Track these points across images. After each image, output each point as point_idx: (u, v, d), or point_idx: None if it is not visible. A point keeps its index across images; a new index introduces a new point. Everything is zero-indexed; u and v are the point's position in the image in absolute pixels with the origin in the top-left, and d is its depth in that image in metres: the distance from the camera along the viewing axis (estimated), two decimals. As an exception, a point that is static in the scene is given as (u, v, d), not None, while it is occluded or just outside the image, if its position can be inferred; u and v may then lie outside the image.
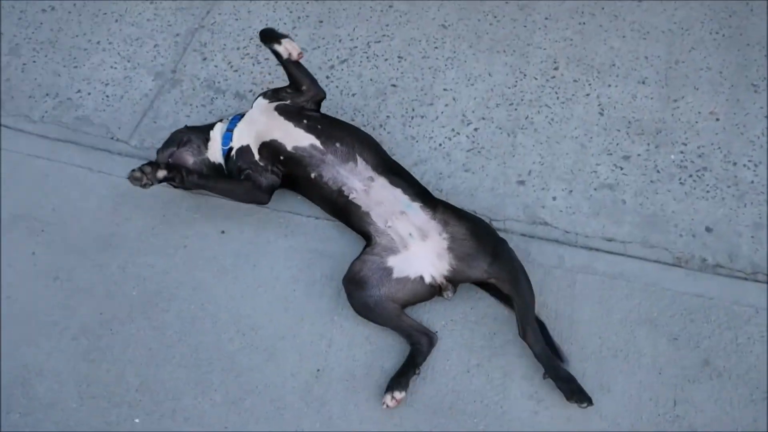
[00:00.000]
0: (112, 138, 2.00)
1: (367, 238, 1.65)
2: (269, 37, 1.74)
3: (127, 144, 1.98)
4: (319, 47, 2.21)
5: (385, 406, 1.47)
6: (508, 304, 1.62)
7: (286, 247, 1.75)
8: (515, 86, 2.10)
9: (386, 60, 2.18)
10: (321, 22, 2.29)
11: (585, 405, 1.46)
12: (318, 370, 1.55)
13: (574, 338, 1.59)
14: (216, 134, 1.83)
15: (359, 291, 1.57)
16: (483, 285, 1.65)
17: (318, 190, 1.69)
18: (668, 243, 1.75)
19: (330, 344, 1.59)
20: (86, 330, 1.61)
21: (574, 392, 1.47)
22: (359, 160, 1.69)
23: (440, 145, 1.97)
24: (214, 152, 1.82)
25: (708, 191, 1.84)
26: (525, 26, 2.25)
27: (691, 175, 1.87)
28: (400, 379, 1.49)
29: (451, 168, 1.92)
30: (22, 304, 1.66)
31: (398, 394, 1.46)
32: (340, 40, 2.23)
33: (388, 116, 2.04)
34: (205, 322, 1.62)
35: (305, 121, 1.74)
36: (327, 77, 2.13)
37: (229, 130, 1.81)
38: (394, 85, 2.12)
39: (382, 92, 2.10)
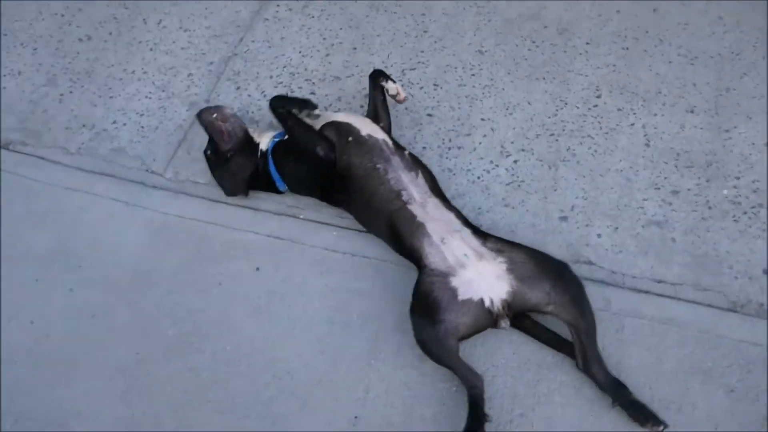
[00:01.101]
0: (147, 170, 1.99)
1: (417, 257, 1.58)
2: (381, 74, 1.90)
3: (162, 177, 1.98)
4: (353, 75, 2.18)
5: None
6: (557, 347, 1.56)
7: (322, 285, 1.71)
8: (556, 115, 2.03)
9: (421, 88, 2.14)
10: (355, 49, 2.25)
11: (661, 428, 1.41)
12: (355, 417, 1.51)
13: (623, 388, 1.51)
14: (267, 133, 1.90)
15: (428, 317, 1.48)
16: (528, 326, 1.59)
17: (375, 187, 1.62)
18: (722, 286, 1.66)
19: (367, 390, 1.55)
20: (123, 370, 1.60)
21: (649, 417, 1.42)
22: (420, 175, 1.68)
23: (479, 178, 1.91)
24: (263, 138, 1.87)
25: (764, 230, 1.74)
26: (565, 51, 2.19)
27: (745, 212, 1.78)
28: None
29: (490, 203, 1.86)
30: (59, 342, 1.66)
31: None
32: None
33: (424, 147, 1.99)
34: (240, 365, 1.60)
35: (381, 125, 1.82)
36: (361, 106, 2.09)
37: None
38: (429, 115, 2.07)
39: (417, 122, 2.05)
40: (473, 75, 2.16)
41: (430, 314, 1.49)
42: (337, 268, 1.74)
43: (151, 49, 2.31)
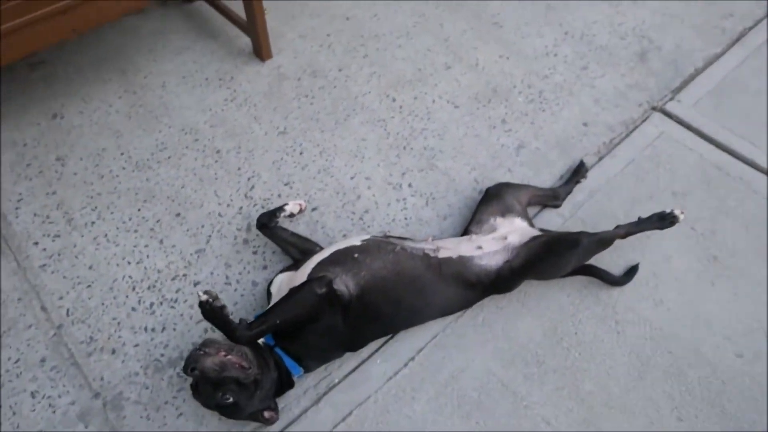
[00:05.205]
0: None
1: (486, 273, 1.68)
2: (265, 218, 1.83)
3: None
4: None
5: None
6: None
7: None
8: (389, 134, 2.21)
9: (279, 195, 2.01)
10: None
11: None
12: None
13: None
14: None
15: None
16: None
17: (411, 263, 1.61)
18: (581, 154, 2.20)
19: None
20: None
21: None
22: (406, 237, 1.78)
23: (409, 217, 1.99)
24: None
25: (557, 103, 2.35)
26: (335, 87, 2.33)
27: (540, 102, 2.35)
28: None
29: (437, 222, 1.98)
30: None
31: None
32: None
33: (343, 234, 1.94)
34: None
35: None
36: (264, 267, 1.86)
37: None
38: (314, 209, 2.00)
39: (312, 223, 1.96)
40: (302, 153, 2.14)
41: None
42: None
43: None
